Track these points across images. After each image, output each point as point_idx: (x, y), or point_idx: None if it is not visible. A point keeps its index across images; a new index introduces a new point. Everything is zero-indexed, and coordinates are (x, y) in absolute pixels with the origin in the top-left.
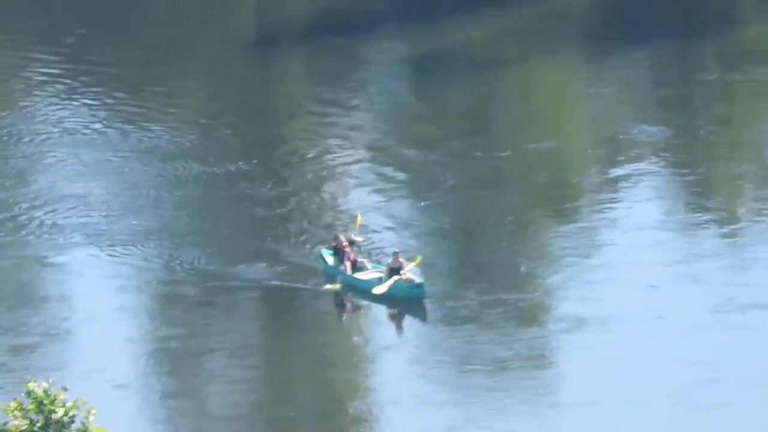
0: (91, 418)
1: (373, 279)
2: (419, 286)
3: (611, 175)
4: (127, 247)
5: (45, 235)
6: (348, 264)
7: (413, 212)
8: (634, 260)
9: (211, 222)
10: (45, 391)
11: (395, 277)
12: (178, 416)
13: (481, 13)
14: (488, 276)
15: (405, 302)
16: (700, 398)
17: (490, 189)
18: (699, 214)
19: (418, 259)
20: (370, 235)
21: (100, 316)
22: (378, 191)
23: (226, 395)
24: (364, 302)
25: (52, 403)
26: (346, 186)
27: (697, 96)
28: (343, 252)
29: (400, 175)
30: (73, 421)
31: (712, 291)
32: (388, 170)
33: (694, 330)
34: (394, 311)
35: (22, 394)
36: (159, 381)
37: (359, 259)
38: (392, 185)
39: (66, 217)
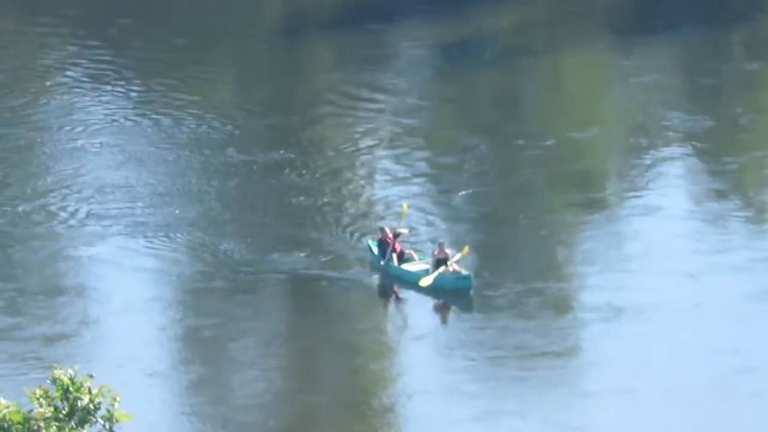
0: (116, 405)
1: (419, 271)
2: (466, 277)
3: (645, 163)
4: (163, 236)
5: (80, 225)
6: (394, 256)
7: (451, 201)
8: (670, 249)
9: (249, 211)
10: (71, 379)
11: (441, 269)
12: (207, 404)
13: (510, 1)
14: (525, 265)
15: (451, 293)
16: (737, 387)
17: (525, 178)
18: (735, 203)
19: (466, 249)
20: (413, 225)
21: (135, 305)
22: (414, 180)
23: (256, 384)
24: (409, 293)
25: (77, 390)
26: (383, 175)
27: (730, 84)
28: (389, 244)
29: (435, 164)
30: (98, 409)
31: (749, 280)
32: (423, 159)
33: (731, 319)
34: (438, 302)
35: (48, 381)
36: (189, 369)
37: (406, 251)
38: (427, 174)
39: (103, 206)
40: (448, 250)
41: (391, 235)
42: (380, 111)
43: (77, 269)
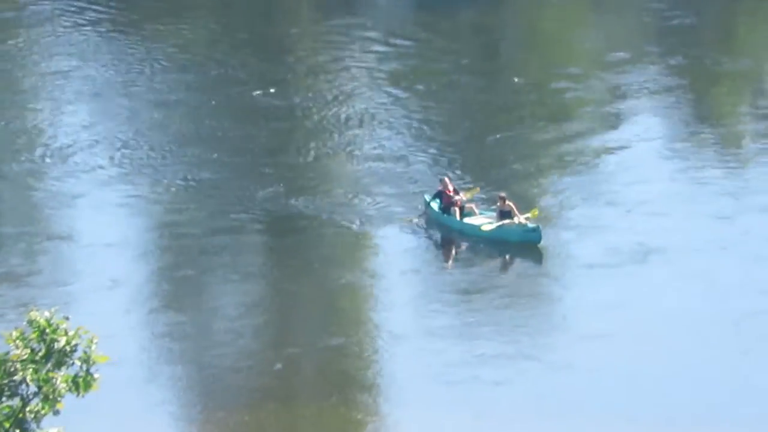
0: (94, 347)
1: (483, 223)
2: (534, 230)
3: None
4: (155, 182)
5: (61, 171)
6: (456, 210)
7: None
8: (696, 192)
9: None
10: (47, 320)
11: (507, 221)
12: (186, 345)
13: None
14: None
15: (518, 246)
16: (765, 327)
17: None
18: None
19: (536, 210)
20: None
21: (114, 248)
22: (416, 134)
23: (236, 326)
24: (474, 247)
25: (54, 332)
26: (369, 121)
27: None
28: (450, 197)
29: (430, 114)
30: (75, 350)
31: None
32: (423, 103)
33: (759, 259)
34: (504, 256)
35: (24, 323)
36: (169, 311)
37: (467, 205)
38: (433, 124)
39: (85, 152)
40: (510, 203)
41: (451, 188)
42: (359, 56)
43: (56, 213)
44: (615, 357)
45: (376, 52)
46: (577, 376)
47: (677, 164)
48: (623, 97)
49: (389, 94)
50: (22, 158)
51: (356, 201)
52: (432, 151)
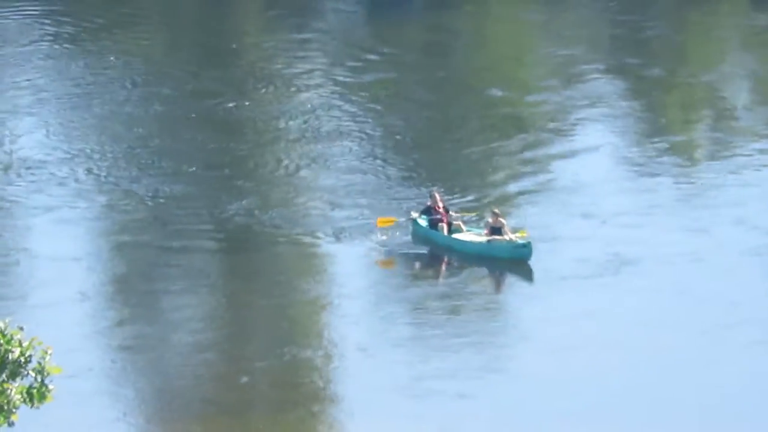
0: (48, 357)
1: (473, 240)
2: (525, 245)
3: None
4: (117, 193)
5: (17, 184)
6: (444, 226)
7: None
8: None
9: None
10: (1, 331)
11: (497, 237)
12: (141, 357)
13: None
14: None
15: (508, 263)
16: (734, 337)
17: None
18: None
19: (524, 232)
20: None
21: (68, 258)
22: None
23: (199, 338)
24: (462, 263)
25: (8, 342)
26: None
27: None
28: (437, 212)
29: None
30: (29, 361)
31: (753, 234)
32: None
33: (732, 271)
34: (494, 272)
35: None
36: (124, 322)
37: (454, 222)
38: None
39: (38, 161)
40: (502, 219)
41: (441, 205)
42: (311, 70)
43: (18, 226)
44: (584, 368)
45: (337, 63)
46: (544, 387)
47: (653, 175)
48: (593, 106)
49: (353, 106)
50: None
51: (329, 213)
52: (407, 163)
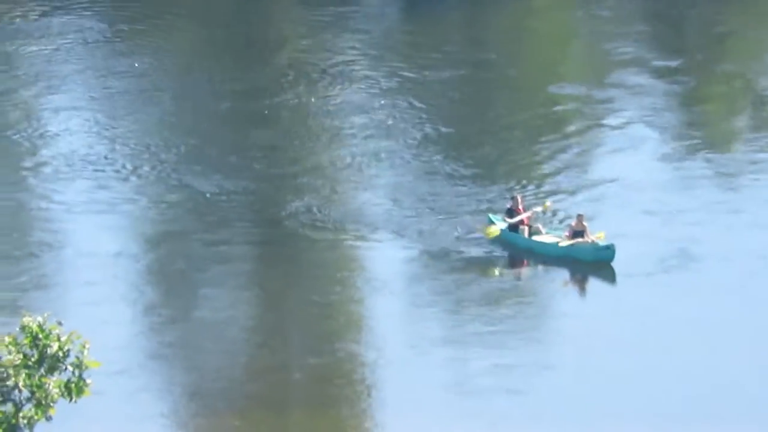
0: (86, 352)
1: (553, 242)
2: (608, 247)
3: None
4: (144, 185)
5: (49, 175)
6: (525, 228)
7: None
8: (736, 200)
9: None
10: (40, 326)
11: (579, 240)
12: (177, 350)
13: None
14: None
15: (590, 265)
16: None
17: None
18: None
19: (602, 234)
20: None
21: (105, 252)
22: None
23: (226, 330)
24: (542, 265)
25: (47, 337)
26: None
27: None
28: (519, 215)
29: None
30: (67, 356)
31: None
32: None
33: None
34: (576, 274)
35: (17, 329)
36: (160, 316)
37: (533, 225)
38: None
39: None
40: (585, 223)
41: (521, 207)
42: (352, 68)
43: (46, 220)
44: (641, 366)
45: (379, 60)
46: (597, 382)
47: (717, 172)
48: (638, 100)
49: (395, 102)
50: (20, 167)
51: (390, 211)
52: (463, 161)
